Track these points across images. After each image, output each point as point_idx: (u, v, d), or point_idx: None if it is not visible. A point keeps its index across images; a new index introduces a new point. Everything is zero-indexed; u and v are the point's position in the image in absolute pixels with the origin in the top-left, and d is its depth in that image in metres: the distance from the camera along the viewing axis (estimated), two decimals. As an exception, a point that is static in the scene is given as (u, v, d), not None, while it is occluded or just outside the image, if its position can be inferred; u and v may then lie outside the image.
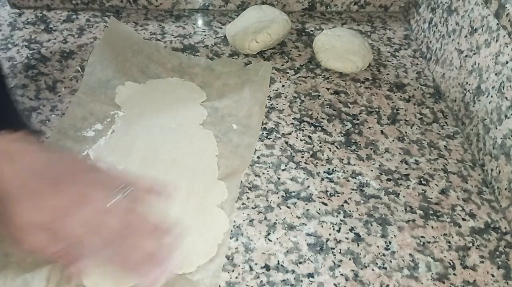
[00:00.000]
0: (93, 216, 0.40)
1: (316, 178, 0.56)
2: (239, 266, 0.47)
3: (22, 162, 0.40)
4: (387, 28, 0.81)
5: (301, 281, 0.47)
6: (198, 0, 0.78)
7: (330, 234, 0.51)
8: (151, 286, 0.41)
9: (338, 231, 0.51)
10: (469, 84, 0.63)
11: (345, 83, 0.69)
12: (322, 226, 0.51)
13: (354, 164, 0.58)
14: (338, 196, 0.54)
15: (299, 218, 0.52)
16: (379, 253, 0.50)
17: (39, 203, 0.39)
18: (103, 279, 0.44)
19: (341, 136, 0.61)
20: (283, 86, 0.68)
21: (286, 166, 0.57)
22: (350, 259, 0.49)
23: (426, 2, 0.77)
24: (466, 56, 0.64)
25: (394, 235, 0.51)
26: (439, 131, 0.64)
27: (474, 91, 0.62)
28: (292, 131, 0.61)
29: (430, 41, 0.74)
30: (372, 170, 0.58)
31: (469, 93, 0.63)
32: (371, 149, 0.60)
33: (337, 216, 0.52)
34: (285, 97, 0.66)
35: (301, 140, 0.60)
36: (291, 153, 0.58)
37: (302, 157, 0.58)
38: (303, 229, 0.51)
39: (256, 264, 0.47)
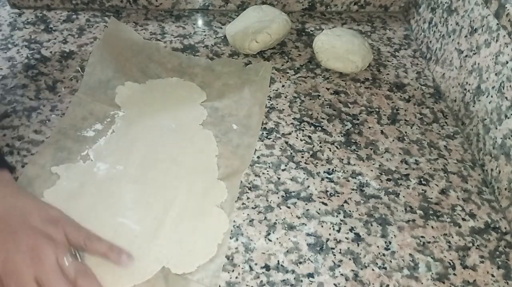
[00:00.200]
0: (44, 273, 0.39)
1: (316, 178, 0.56)
2: (239, 266, 0.47)
3: None
4: (387, 28, 0.81)
5: (301, 281, 0.47)
6: (198, 0, 0.78)
7: (330, 234, 0.51)
8: None
9: (338, 231, 0.51)
10: (469, 84, 0.63)
11: (345, 83, 0.69)
12: (322, 226, 0.51)
13: (354, 164, 0.58)
14: (338, 196, 0.54)
15: (299, 218, 0.52)
16: (379, 253, 0.50)
17: None
18: (103, 279, 0.44)
19: (341, 136, 0.61)
20: (283, 86, 0.68)
21: (286, 166, 0.57)
22: (350, 259, 0.49)
23: (426, 2, 0.77)
24: (466, 56, 0.64)
25: (394, 235, 0.51)
26: (439, 131, 0.64)
27: (474, 91, 0.62)
28: (292, 131, 0.61)
29: (430, 41, 0.74)
30: (372, 170, 0.58)
31: (469, 93, 0.63)
32: (371, 149, 0.60)
33: (337, 216, 0.52)
34: (285, 97, 0.66)
35: (301, 140, 0.60)
36: (291, 153, 0.58)
37: (302, 157, 0.58)
38: (303, 229, 0.51)
39: (256, 264, 0.47)
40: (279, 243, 0.49)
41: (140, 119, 0.59)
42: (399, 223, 0.53)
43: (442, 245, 0.51)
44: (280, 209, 0.52)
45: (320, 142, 0.60)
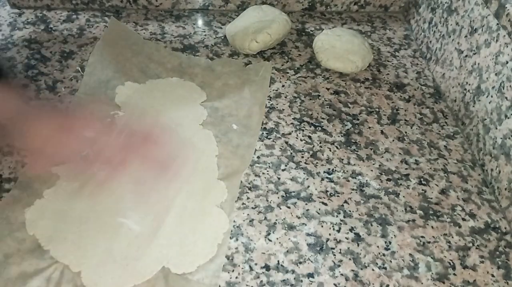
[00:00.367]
0: (93, 132, 0.45)
1: (316, 178, 0.56)
2: (239, 266, 0.47)
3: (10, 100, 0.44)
4: (387, 28, 0.81)
5: (301, 281, 0.47)
6: (198, 0, 0.78)
7: (330, 234, 0.51)
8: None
9: (338, 231, 0.51)
10: (469, 84, 0.63)
11: (345, 83, 0.69)
12: (322, 226, 0.51)
13: (354, 164, 0.58)
14: (338, 196, 0.54)
15: (299, 218, 0.52)
16: (379, 253, 0.50)
17: (34, 127, 0.43)
18: (103, 279, 0.44)
19: (341, 136, 0.61)
20: (283, 86, 0.68)
21: (286, 166, 0.57)
22: (350, 259, 0.49)
23: (426, 2, 0.77)
24: (466, 56, 0.64)
25: (394, 235, 0.51)
26: (439, 131, 0.64)
27: (474, 91, 0.62)
28: (292, 131, 0.61)
29: (430, 41, 0.74)
30: (372, 170, 0.58)
31: (469, 93, 0.63)
32: (371, 149, 0.60)
33: (337, 216, 0.52)
34: (285, 97, 0.66)
35: (301, 140, 0.60)
36: (291, 153, 0.58)
37: (302, 157, 0.58)
38: (303, 229, 0.51)
39: (256, 264, 0.47)
40: (279, 243, 0.49)
41: (140, 119, 0.59)
42: (399, 223, 0.53)
43: (442, 245, 0.51)
44: (280, 209, 0.52)
45: (320, 143, 0.60)
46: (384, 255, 0.50)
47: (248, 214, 0.52)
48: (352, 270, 0.48)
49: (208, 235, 0.49)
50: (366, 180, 0.57)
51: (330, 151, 0.59)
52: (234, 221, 0.51)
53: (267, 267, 0.47)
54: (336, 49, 0.70)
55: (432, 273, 0.49)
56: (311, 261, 0.48)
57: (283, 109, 0.64)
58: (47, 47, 0.69)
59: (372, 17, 0.83)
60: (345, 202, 0.54)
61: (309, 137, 0.61)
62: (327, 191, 0.55)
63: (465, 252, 0.51)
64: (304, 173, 0.56)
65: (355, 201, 0.54)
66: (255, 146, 0.58)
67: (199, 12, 0.79)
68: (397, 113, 0.66)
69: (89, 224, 0.48)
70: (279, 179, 0.55)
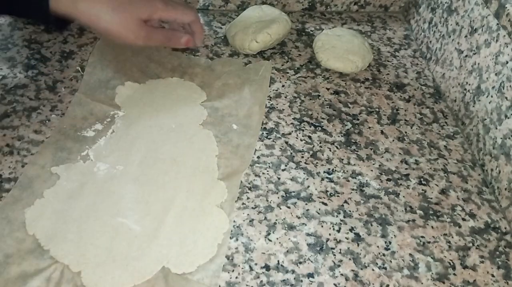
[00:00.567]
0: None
1: (316, 178, 0.56)
2: (239, 266, 0.47)
3: None
4: (387, 28, 0.81)
5: (301, 281, 0.47)
6: (198, 0, 0.78)
7: (330, 234, 0.51)
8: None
9: (338, 231, 0.51)
10: (469, 84, 0.63)
11: (345, 83, 0.69)
12: (322, 226, 0.51)
13: (354, 164, 0.58)
14: (338, 196, 0.54)
15: (299, 218, 0.52)
16: (379, 253, 0.50)
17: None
18: (103, 279, 0.44)
19: (341, 136, 0.61)
20: (283, 86, 0.68)
21: (286, 166, 0.57)
22: (350, 259, 0.49)
23: (426, 2, 0.77)
24: (466, 56, 0.64)
25: (394, 235, 0.51)
26: (439, 131, 0.64)
27: (474, 91, 0.62)
28: (292, 131, 0.61)
29: (430, 41, 0.74)
30: (372, 170, 0.58)
31: (469, 93, 0.63)
32: (371, 149, 0.60)
33: (337, 216, 0.52)
34: (285, 97, 0.66)
35: (301, 140, 0.60)
36: (291, 153, 0.58)
37: (302, 157, 0.58)
38: (303, 229, 0.51)
39: (256, 264, 0.47)
40: (279, 243, 0.49)
41: (140, 119, 0.59)
42: (399, 223, 0.53)
43: (442, 245, 0.51)
44: (280, 209, 0.52)
45: (320, 143, 0.60)
46: (384, 255, 0.50)
47: (248, 214, 0.52)
48: (352, 270, 0.48)
49: (208, 235, 0.49)
50: (366, 180, 0.57)
51: (330, 151, 0.59)
52: (234, 221, 0.51)
53: (267, 267, 0.47)
54: (336, 49, 0.70)
55: (432, 273, 0.49)
56: (311, 261, 0.48)
57: (283, 109, 0.64)
58: (47, 47, 0.69)
59: (372, 17, 0.83)
60: (345, 202, 0.54)
61: (309, 137, 0.61)
62: (327, 191, 0.55)
63: (465, 252, 0.51)
64: (304, 173, 0.56)
65: (355, 201, 0.54)
66: (255, 146, 0.58)
67: (199, 12, 0.79)
68: (397, 113, 0.66)
69: (89, 224, 0.48)
70: (279, 179, 0.55)
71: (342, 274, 0.48)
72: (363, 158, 0.59)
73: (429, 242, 0.51)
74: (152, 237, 0.48)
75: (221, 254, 0.47)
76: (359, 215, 0.53)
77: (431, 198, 0.56)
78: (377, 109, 0.66)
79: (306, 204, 0.53)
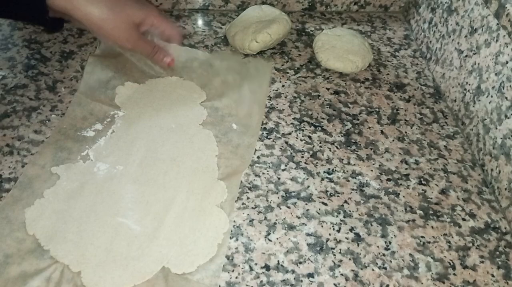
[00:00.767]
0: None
1: (316, 178, 0.56)
2: (239, 266, 0.47)
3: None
4: (387, 28, 0.81)
5: (301, 281, 0.47)
6: (198, 0, 0.78)
7: (330, 234, 0.51)
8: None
9: (338, 231, 0.51)
10: (469, 84, 0.63)
11: (345, 83, 0.69)
12: (322, 226, 0.51)
13: (354, 164, 0.58)
14: (338, 196, 0.54)
15: (299, 218, 0.52)
16: (379, 253, 0.50)
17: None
18: (103, 279, 0.44)
19: (341, 136, 0.61)
20: (283, 86, 0.68)
21: (286, 166, 0.57)
22: (350, 259, 0.49)
23: (426, 2, 0.77)
24: (466, 56, 0.64)
25: (394, 235, 0.51)
26: (439, 131, 0.64)
27: (474, 91, 0.62)
28: (292, 131, 0.61)
29: (430, 41, 0.74)
30: (372, 170, 0.58)
31: (469, 93, 0.63)
32: (371, 149, 0.60)
33: (337, 216, 0.52)
34: (285, 97, 0.66)
35: (301, 140, 0.60)
36: (291, 153, 0.58)
37: (302, 157, 0.58)
38: (303, 229, 0.51)
39: (256, 264, 0.47)
40: (279, 243, 0.49)
41: (140, 119, 0.59)
42: (399, 223, 0.53)
43: (442, 245, 0.51)
44: (280, 209, 0.52)
45: (320, 143, 0.60)
46: (384, 255, 0.50)
47: (248, 214, 0.52)
48: (352, 270, 0.48)
49: (208, 235, 0.49)
50: (366, 180, 0.57)
51: (330, 151, 0.59)
52: (234, 221, 0.51)
53: (267, 267, 0.47)
54: (336, 49, 0.70)
55: (432, 273, 0.49)
56: (311, 261, 0.48)
57: (283, 109, 0.64)
58: (47, 47, 0.69)
59: (372, 17, 0.83)
60: (345, 202, 0.54)
61: (309, 137, 0.61)
62: (327, 191, 0.55)
63: (465, 252, 0.51)
64: (304, 173, 0.56)
65: (355, 201, 0.54)
66: (255, 146, 0.58)
67: (199, 12, 0.79)
68: (397, 113, 0.66)
69: (89, 224, 0.48)
70: (279, 179, 0.55)
71: (342, 274, 0.48)
72: (363, 158, 0.59)
73: (429, 242, 0.51)
74: (152, 237, 0.48)
75: (221, 254, 0.47)
76: (359, 215, 0.53)
77: (431, 198, 0.56)
78: (377, 109, 0.66)
79: (306, 204, 0.53)
